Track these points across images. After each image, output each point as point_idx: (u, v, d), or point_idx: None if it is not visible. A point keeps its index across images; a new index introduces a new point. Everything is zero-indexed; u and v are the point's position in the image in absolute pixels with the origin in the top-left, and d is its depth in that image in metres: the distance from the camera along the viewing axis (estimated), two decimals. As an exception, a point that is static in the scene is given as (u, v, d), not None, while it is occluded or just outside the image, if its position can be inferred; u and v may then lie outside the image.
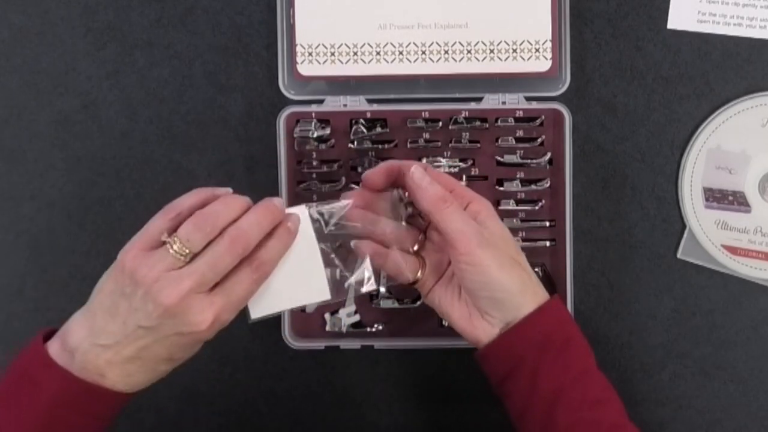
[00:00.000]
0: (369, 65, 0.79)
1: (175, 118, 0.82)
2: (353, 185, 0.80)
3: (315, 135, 0.79)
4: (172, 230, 0.64)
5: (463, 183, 0.72)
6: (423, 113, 0.80)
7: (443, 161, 0.79)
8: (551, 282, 0.80)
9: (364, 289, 0.69)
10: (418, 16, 0.79)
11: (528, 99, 0.79)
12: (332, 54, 0.80)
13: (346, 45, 0.79)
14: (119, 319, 0.63)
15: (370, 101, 0.80)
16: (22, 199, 0.83)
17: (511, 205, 0.79)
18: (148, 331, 0.63)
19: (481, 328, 0.68)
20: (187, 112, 0.82)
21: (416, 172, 0.67)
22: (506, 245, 0.67)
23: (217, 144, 0.82)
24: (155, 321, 0.62)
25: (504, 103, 0.79)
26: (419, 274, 0.70)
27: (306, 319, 0.81)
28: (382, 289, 0.80)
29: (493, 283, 0.66)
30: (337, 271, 0.79)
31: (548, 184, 0.79)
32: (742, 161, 0.79)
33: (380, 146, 0.80)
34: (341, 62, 0.79)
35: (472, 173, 0.80)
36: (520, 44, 0.79)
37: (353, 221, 0.69)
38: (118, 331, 0.63)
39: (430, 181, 0.67)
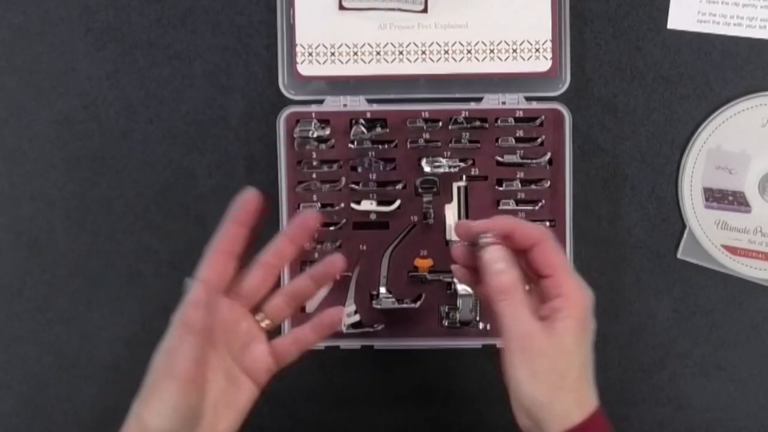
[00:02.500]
0: (369, 65, 0.79)
1: (175, 118, 0.82)
2: (353, 185, 0.80)
3: (315, 135, 0.79)
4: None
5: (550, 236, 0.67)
6: (423, 113, 0.79)
7: (443, 161, 0.79)
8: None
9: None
10: (418, 16, 0.79)
11: (528, 99, 0.79)
12: (332, 54, 0.80)
13: (346, 45, 0.79)
14: None
15: (370, 101, 0.80)
16: (22, 199, 0.83)
17: (511, 205, 0.79)
18: None
19: (517, 410, 0.66)
20: (187, 112, 0.82)
21: (489, 254, 0.65)
22: (557, 357, 0.64)
23: (217, 144, 0.82)
24: None
25: (504, 103, 0.79)
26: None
27: (306, 319, 0.81)
28: (383, 290, 0.80)
29: (518, 389, 0.64)
30: None
31: (548, 184, 0.79)
32: (742, 161, 0.79)
33: (380, 146, 0.80)
34: (341, 62, 0.79)
35: (472, 173, 0.80)
36: (520, 44, 0.79)
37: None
38: None
39: (501, 268, 0.65)
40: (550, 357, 0.64)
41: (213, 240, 0.68)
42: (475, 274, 0.67)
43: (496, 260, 0.65)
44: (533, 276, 0.67)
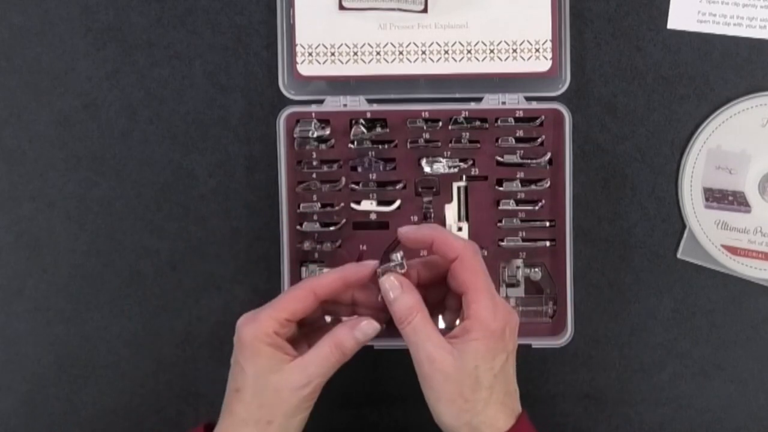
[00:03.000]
0: (369, 65, 0.79)
1: (175, 118, 0.82)
2: (353, 185, 0.80)
3: (315, 135, 0.79)
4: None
5: (455, 227, 0.70)
6: (423, 113, 0.80)
7: (443, 161, 0.79)
8: (551, 282, 0.80)
9: None
10: (418, 16, 0.79)
11: (528, 99, 0.79)
12: (332, 54, 0.80)
13: (346, 45, 0.79)
14: None
15: (370, 101, 0.80)
16: (22, 199, 0.83)
17: (511, 205, 0.79)
18: None
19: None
20: (187, 112, 0.82)
21: (384, 284, 0.66)
22: (461, 379, 0.63)
23: (217, 144, 0.82)
24: None
25: (504, 103, 0.79)
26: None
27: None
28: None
29: (430, 410, 0.65)
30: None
31: (548, 184, 0.79)
32: (742, 161, 0.79)
33: (380, 146, 0.80)
34: (341, 62, 0.80)
35: (472, 173, 0.80)
36: (520, 44, 0.79)
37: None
38: None
39: (395, 296, 0.65)
40: (454, 381, 0.64)
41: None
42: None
43: (389, 289, 0.66)
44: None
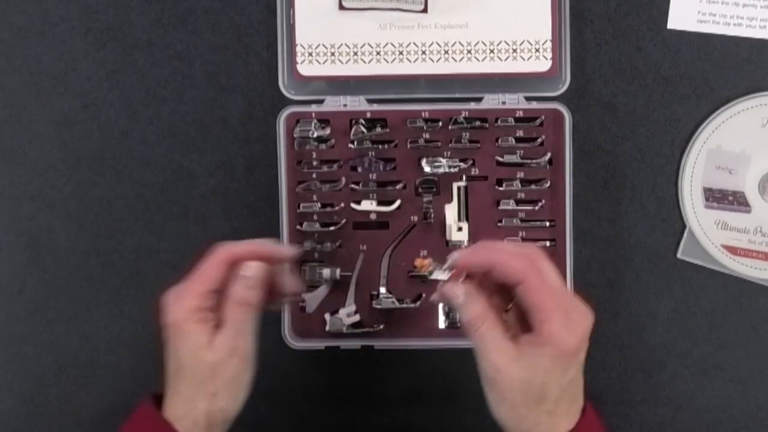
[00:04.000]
0: (369, 65, 0.79)
1: (175, 118, 0.82)
2: (353, 185, 0.80)
3: (315, 135, 0.79)
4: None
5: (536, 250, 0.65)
6: (423, 113, 0.80)
7: (443, 161, 0.79)
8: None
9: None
10: (418, 16, 0.79)
11: (528, 99, 0.79)
12: (332, 54, 0.80)
13: (346, 45, 0.79)
14: None
15: (370, 101, 0.80)
16: (22, 199, 0.83)
17: (511, 205, 0.79)
18: None
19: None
20: (187, 112, 0.82)
21: (447, 291, 0.65)
22: (528, 385, 0.62)
23: (217, 144, 0.82)
24: None
25: (504, 103, 0.79)
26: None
27: (306, 319, 0.81)
28: (383, 290, 0.80)
29: (494, 411, 0.64)
30: (337, 271, 0.80)
31: (548, 184, 0.79)
32: (742, 161, 0.79)
33: (380, 146, 0.80)
34: (341, 62, 0.80)
35: (472, 173, 0.80)
36: (520, 44, 0.79)
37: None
38: None
39: (462, 302, 0.64)
40: (519, 391, 0.63)
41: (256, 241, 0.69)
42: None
43: (454, 296, 0.64)
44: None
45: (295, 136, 0.80)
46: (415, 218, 0.80)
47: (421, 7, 0.78)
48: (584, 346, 0.64)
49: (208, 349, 0.66)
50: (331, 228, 0.80)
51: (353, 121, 0.80)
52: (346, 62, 0.79)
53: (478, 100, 0.79)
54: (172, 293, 0.67)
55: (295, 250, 0.72)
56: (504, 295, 0.66)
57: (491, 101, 0.79)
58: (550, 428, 0.64)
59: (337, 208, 0.80)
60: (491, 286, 0.65)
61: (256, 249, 0.68)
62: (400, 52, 0.79)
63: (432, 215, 0.80)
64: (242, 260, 0.67)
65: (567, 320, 0.62)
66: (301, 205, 0.80)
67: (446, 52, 0.79)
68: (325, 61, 0.80)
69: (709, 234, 0.80)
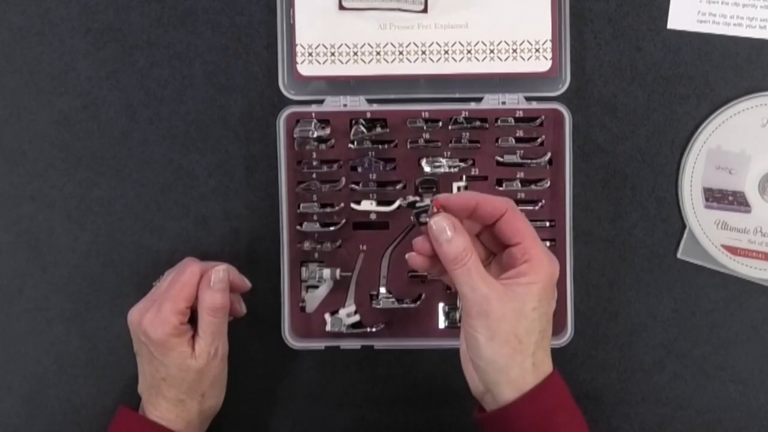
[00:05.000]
0: (369, 65, 0.79)
1: (175, 118, 0.82)
2: (353, 185, 0.80)
3: (315, 135, 0.79)
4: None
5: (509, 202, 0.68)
6: (423, 113, 0.80)
7: (443, 161, 0.79)
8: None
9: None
10: (418, 16, 0.79)
11: (528, 99, 0.79)
12: (332, 54, 0.80)
13: (346, 45, 0.79)
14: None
15: (370, 101, 0.80)
16: (22, 199, 0.83)
17: (511, 205, 0.79)
18: None
19: (470, 373, 0.68)
20: (187, 112, 0.82)
21: (435, 225, 0.66)
22: (516, 320, 0.65)
23: (217, 144, 0.82)
24: None
25: (504, 103, 0.79)
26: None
27: (306, 319, 0.81)
28: (383, 290, 0.80)
29: (477, 350, 0.65)
30: (337, 271, 0.80)
31: (548, 184, 0.79)
32: (742, 161, 0.79)
33: (380, 146, 0.80)
34: (341, 62, 0.79)
35: (472, 173, 0.80)
36: (520, 44, 0.79)
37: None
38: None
39: (449, 237, 0.65)
40: (510, 321, 0.65)
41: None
42: (435, 260, 0.68)
43: (442, 230, 0.66)
44: (497, 247, 0.68)
45: (295, 136, 0.80)
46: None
47: (421, 7, 0.78)
48: (555, 289, 0.68)
49: (192, 358, 0.73)
50: (331, 228, 0.80)
51: (353, 121, 0.80)
52: (346, 62, 0.79)
53: (478, 100, 0.79)
54: (148, 312, 0.73)
55: (249, 285, 0.78)
56: (481, 247, 0.69)
57: (491, 101, 0.79)
58: (537, 362, 0.66)
59: (337, 208, 0.80)
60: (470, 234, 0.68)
61: (226, 267, 0.75)
62: (400, 52, 0.79)
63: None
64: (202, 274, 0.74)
65: (545, 250, 0.67)
66: (301, 205, 0.80)
67: (446, 52, 0.79)
68: (325, 61, 0.80)
69: (709, 234, 0.80)
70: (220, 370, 0.75)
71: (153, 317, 0.72)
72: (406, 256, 0.69)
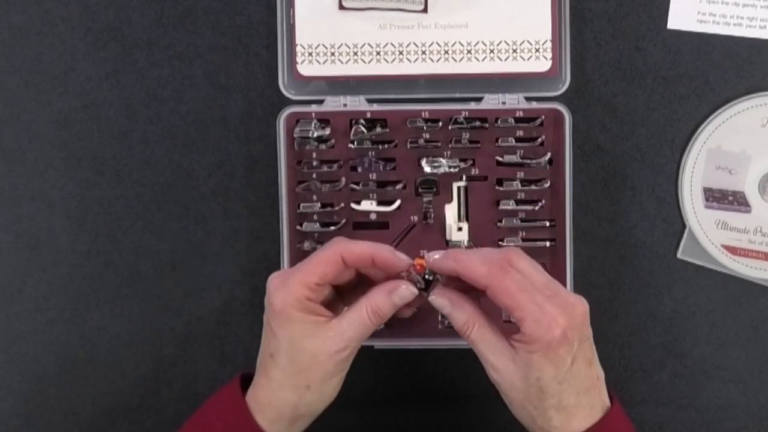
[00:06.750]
0: (369, 65, 0.79)
1: (175, 118, 0.82)
2: (353, 185, 0.80)
3: (315, 135, 0.79)
4: None
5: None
6: (423, 113, 0.80)
7: (443, 161, 0.79)
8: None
9: None
10: (418, 16, 0.79)
11: (528, 99, 0.79)
12: (332, 54, 0.80)
13: (346, 45, 0.79)
14: None
15: (370, 101, 0.80)
16: (22, 199, 0.83)
17: (511, 205, 0.79)
18: None
19: None
20: (187, 112, 0.82)
21: (434, 303, 0.66)
22: (526, 389, 0.64)
23: (217, 144, 0.82)
24: None
25: (504, 103, 0.79)
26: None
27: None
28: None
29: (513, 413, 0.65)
30: None
31: (548, 184, 0.79)
32: (742, 161, 0.79)
33: (380, 146, 0.80)
34: (341, 62, 0.80)
35: (472, 173, 0.80)
36: (520, 44, 0.79)
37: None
38: None
39: (448, 312, 0.66)
40: (520, 390, 0.64)
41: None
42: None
43: (441, 306, 0.66)
44: None
45: (295, 136, 0.80)
46: (415, 218, 0.80)
47: (421, 7, 0.78)
48: (573, 335, 0.64)
49: (313, 338, 0.65)
50: (331, 228, 0.80)
51: (353, 121, 0.80)
52: (346, 62, 0.79)
53: (478, 100, 0.79)
54: (279, 277, 0.66)
55: (409, 262, 0.67)
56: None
57: (491, 101, 0.79)
58: (565, 424, 0.64)
59: (337, 208, 0.80)
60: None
61: (373, 253, 0.66)
62: (400, 52, 0.79)
63: (432, 215, 0.80)
64: (357, 262, 0.66)
65: (540, 315, 0.62)
66: (301, 205, 0.80)
67: (446, 52, 0.79)
68: (325, 61, 0.80)
69: (709, 234, 0.80)
70: (338, 369, 0.67)
71: (279, 284, 0.65)
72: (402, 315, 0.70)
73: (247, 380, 0.69)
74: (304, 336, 0.65)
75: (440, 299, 0.66)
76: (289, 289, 0.65)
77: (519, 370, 0.63)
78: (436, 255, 0.66)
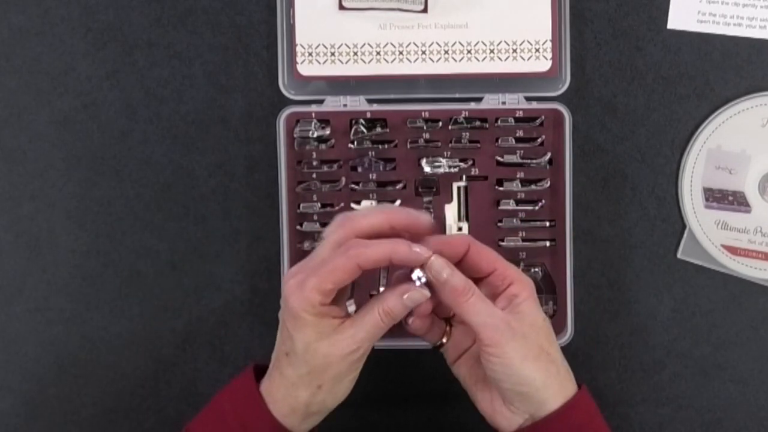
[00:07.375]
0: (369, 65, 0.79)
1: (175, 118, 0.82)
2: (353, 185, 0.80)
3: (315, 135, 0.79)
4: None
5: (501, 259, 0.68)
6: (423, 113, 0.80)
7: (443, 161, 0.79)
8: (551, 282, 0.80)
9: None
10: (418, 16, 0.79)
11: (528, 99, 0.79)
12: (332, 54, 0.80)
13: (346, 45, 0.79)
14: None
15: (370, 101, 0.80)
16: (22, 199, 0.83)
17: (511, 205, 0.79)
18: None
19: (502, 415, 0.67)
20: (187, 112, 0.82)
21: (435, 264, 0.65)
22: (536, 334, 0.66)
23: (217, 144, 0.82)
24: None
25: (504, 103, 0.79)
26: (444, 339, 0.71)
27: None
28: (383, 290, 0.80)
29: (516, 375, 0.65)
30: None
31: (548, 184, 0.79)
32: (742, 161, 0.79)
33: (380, 146, 0.80)
34: (341, 62, 0.80)
35: (472, 173, 0.80)
36: (520, 44, 0.79)
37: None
38: None
39: (450, 272, 0.65)
40: (532, 336, 0.66)
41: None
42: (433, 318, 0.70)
43: (440, 270, 0.65)
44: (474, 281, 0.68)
45: (295, 136, 0.80)
46: (415, 218, 0.80)
47: (421, 7, 0.78)
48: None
49: (327, 340, 0.65)
50: (331, 228, 0.80)
51: (353, 121, 0.80)
52: (346, 62, 0.79)
53: (478, 100, 0.79)
54: (294, 279, 0.66)
55: (428, 254, 0.66)
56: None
57: (491, 101, 0.79)
58: (564, 370, 0.67)
59: (337, 208, 0.80)
60: None
61: (390, 254, 0.65)
62: (400, 52, 0.79)
63: (432, 215, 0.80)
64: (374, 267, 0.66)
65: (518, 271, 0.68)
66: (301, 205, 0.80)
67: (446, 52, 0.79)
68: (325, 61, 0.80)
69: (709, 234, 0.80)
70: (351, 369, 0.67)
71: (295, 287, 0.65)
72: (407, 326, 0.69)
73: (259, 371, 0.70)
74: (317, 339, 0.65)
75: (440, 262, 0.65)
76: (305, 294, 0.65)
77: (526, 319, 0.65)
78: (416, 248, 0.66)
